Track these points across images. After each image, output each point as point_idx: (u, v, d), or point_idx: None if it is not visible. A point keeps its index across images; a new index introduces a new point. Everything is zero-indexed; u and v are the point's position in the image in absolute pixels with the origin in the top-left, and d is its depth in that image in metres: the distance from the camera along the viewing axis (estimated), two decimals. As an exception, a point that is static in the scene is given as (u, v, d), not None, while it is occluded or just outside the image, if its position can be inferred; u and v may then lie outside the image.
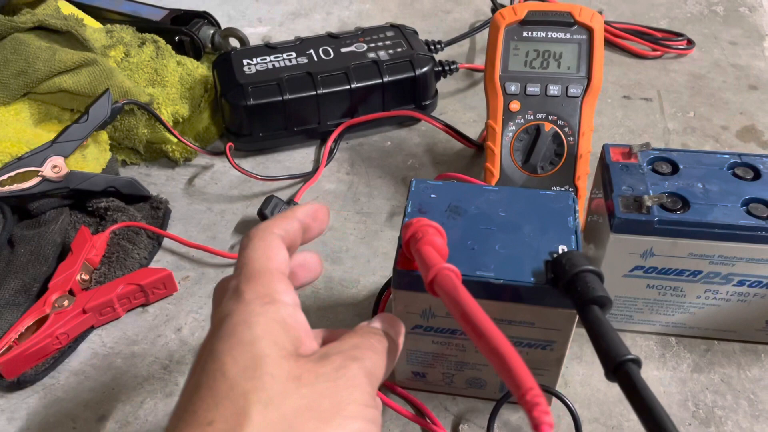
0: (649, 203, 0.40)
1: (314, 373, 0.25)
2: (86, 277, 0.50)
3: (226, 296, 0.28)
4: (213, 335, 0.26)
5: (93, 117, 0.55)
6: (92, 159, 0.57)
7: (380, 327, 0.31)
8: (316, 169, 0.61)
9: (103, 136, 0.59)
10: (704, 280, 0.42)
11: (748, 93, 0.70)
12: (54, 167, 0.53)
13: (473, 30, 0.77)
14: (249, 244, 0.30)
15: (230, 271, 0.53)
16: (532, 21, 0.52)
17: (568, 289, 0.33)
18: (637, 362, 0.29)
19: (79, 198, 0.56)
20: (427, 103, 0.66)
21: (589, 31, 0.51)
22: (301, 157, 0.64)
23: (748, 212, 0.40)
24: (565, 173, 0.52)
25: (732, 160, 0.44)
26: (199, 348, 0.27)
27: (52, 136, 0.55)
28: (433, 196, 0.40)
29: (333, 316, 0.49)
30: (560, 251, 0.36)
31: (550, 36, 0.52)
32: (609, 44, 0.76)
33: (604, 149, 0.45)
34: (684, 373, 0.45)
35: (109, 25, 0.67)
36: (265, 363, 0.24)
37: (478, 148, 0.63)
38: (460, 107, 0.69)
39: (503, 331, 0.38)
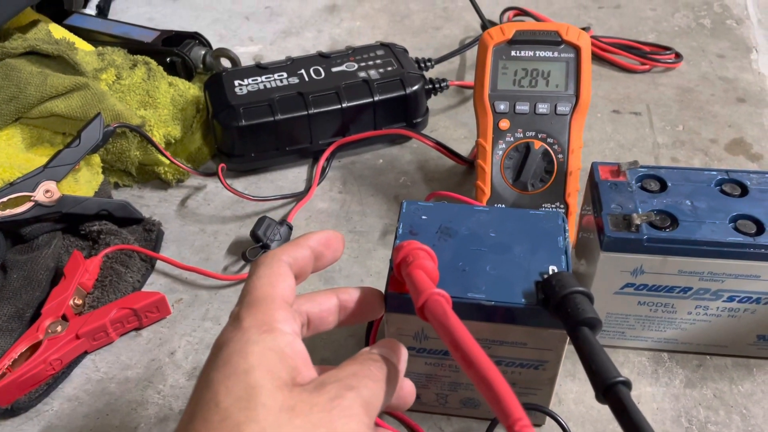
0: (638, 221, 0.40)
1: (309, 404, 0.25)
2: (79, 301, 0.50)
3: (227, 323, 0.28)
4: (210, 363, 0.26)
5: (85, 141, 0.55)
6: (85, 182, 0.58)
7: (381, 353, 0.31)
8: (308, 189, 0.62)
9: (96, 159, 0.59)
10: (694, 296, 0.43)
11: (736, 106, 0.70)
12: (46, 192, 0.53)
13: (463, 47, 0.78)
14: (255, 271, 0.30)
15: (223, 293, 0.53)
16: (519, 40, 0.52)
17: (558, 311, 0.34)
18: (627, 384, 0.29)
19: (72, 222, 0.56)
20: (418, 120, 0.66)
21: (577, 49, 0.52)
22: (293, 177, 0.64)
23: (736, 229, 0.41)
24: (555, 190, 0.52)
25: (719, 177, 0.44)
26: (198, 376, 0.27)
27: (44, 160, 0.55)
28: (424, 217, 0.41)
29: (327, 337, 0.49)
30: (550, 272, 0.37)
31: (537, 55, 0.52)
32: (598, 59, 0.77)
33: (593, 167, 0.45)
34: (677, 388, 0.45)
35: (100, 48, 0.67)
36: (258, 393, 0.24)
37: (470, 165, 0.63)
38: (451, 124, 0.70)
39: (496, 352, 0.38)
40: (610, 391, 0.29)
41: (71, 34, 0.69)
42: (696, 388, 0.45)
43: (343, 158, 0.66)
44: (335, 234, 0.34)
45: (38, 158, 0.57)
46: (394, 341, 0.32)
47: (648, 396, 0.45)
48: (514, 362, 0.39)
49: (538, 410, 0.41)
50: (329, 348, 0.49)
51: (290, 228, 0.57)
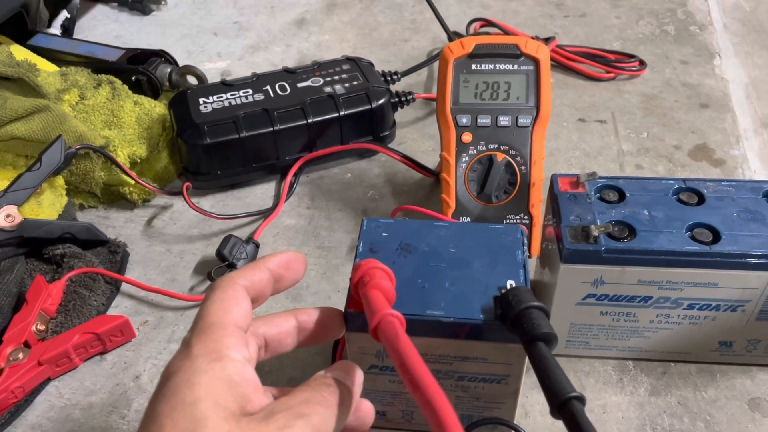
0: (596, 233, 0.41)
1: None
2: (42, 327, 0.49)
3: (178, 350, 0.28)
4: (157, 394, 0.26)
5: (46, 164, 0.54)
6: (48, 205, 0.57)
7: (335, 376, 0.30)
8: (276, 205, 0.61)
9: (59, 180, 0.59)
10: (655, 305, 0.43)
11: (699, 111, 0.71)
12: (7, 216, 0.52)
13: (430, 59, 0.78)
14: (209, 296, 0.30)
15: (189, 314, 0.53)
16: (480, 54, 0.52)
17: (515, 326, 0.34)
18: (581, 399, 0.29)
19: (35, 246, 0.55)
20: (386, 134, 0.67)
21: (536, 62, 0.52)
22: (261, 193, 0.64)
23: (693, 238, 0.41)
24: (519, 202, 0.52)
25: (677, 186, 0.45)
26: (147, 406, 0.26)
27: (6, 183, 0.54)
28: (384, 234, 0.41)
29: (294, 356, 0.49)
30: (509, 286, 0.37)
31: (498, 68, 0.52)
32: (563, 67, 0.78)
33: (553, 179, 0.46)
34: (642, 397, 0.45)
35: (63, 68, 0.67)
36: (204, 426, 0.24)
37: (437, 177, 0.64)
38: (419, 136, 0.70)
39: (458, 368, 0.38)
40: (564, 407, 0.29)
41: (34, 55, 0.69)
42: (660, 396, 0.45)
43: (311, 173, 0.66)
44: (296, 255, 0.34)
45: (0, 182, 0.57)
46: (349, 363, 0.32)
47: (613, 405, 0.45)
48: (476, 377, 0.39)
49: (503, 424, 0.41)
50: (297, 367, 0.48)
51: (257, 246, 0.57)
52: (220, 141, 0.60)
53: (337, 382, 0.30)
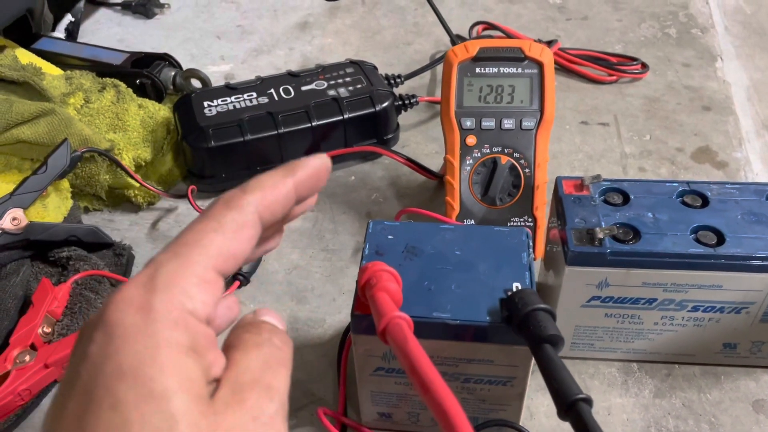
0: (600, 236, 0.41)
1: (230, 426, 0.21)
2: (48, 329, 0.49)
3: (135, 283, 0.22)
4: (108, 359, 0.21)
5: (52, 167, 0.55)
6: (53, 208, 0.57)
7: (276, 322, 0.26)
8: (280, 208, 0.61)
9: (65, 184, 0.59)
10: (660, 307, 0.43)
11: (701, 114, 0.72)
12: (13, 220, 0.53)
13: (433, 62, 0.79)
14: (209, 214, 0.25)
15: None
16: (483, 57, 0.53)
17: (521, 328, 0.34)
18: (588, 401, 0.30)
19: (41, 248, 0.55)
20: (389, 137, 0.67)
21: (540, 65, 0.52)
22: (265, 196, 0.64)
23: (697, 240, 0.41)
24: (523, 204, 0.53)
25: (681, 188, 0.45)
26: (83, 361, 0.21)
27: (12, 187, 0.54)
28: (390, 237, 0.41)
29: (298, 358, 0.49)
30: (514, 288, 0.37)
31: (502, 71, 0.53)
32: (566, 70, 0.78)
33: (557, 182, 0.46)
34: (646, 399, 0.45)
35: (68, 72, 0.67)
36: (179, 428, 0.20)
37: (440, 180, 0.64)
38: (423, 139, 0.70)
39: (464, 370, 0.39)
40: (571, 408, 0.29)
41: (39, 59, 0.69)
42: (665, 398, 0.45)
43: (315, 176, 0.66)
44: (323, 162, 0.28)
45: (6, 185, 0.57)
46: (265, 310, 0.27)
47: (618, 407, 0.45)
48: (482, 379, 0.39)
49: (509, 426, 0.42)
50: (303, 369, 0.49)
51: (262, 248, 0.57)
52: (225, 144, 0.61)
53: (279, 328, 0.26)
